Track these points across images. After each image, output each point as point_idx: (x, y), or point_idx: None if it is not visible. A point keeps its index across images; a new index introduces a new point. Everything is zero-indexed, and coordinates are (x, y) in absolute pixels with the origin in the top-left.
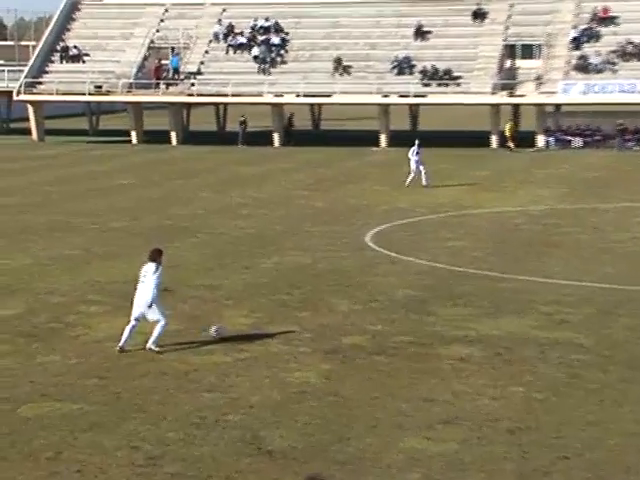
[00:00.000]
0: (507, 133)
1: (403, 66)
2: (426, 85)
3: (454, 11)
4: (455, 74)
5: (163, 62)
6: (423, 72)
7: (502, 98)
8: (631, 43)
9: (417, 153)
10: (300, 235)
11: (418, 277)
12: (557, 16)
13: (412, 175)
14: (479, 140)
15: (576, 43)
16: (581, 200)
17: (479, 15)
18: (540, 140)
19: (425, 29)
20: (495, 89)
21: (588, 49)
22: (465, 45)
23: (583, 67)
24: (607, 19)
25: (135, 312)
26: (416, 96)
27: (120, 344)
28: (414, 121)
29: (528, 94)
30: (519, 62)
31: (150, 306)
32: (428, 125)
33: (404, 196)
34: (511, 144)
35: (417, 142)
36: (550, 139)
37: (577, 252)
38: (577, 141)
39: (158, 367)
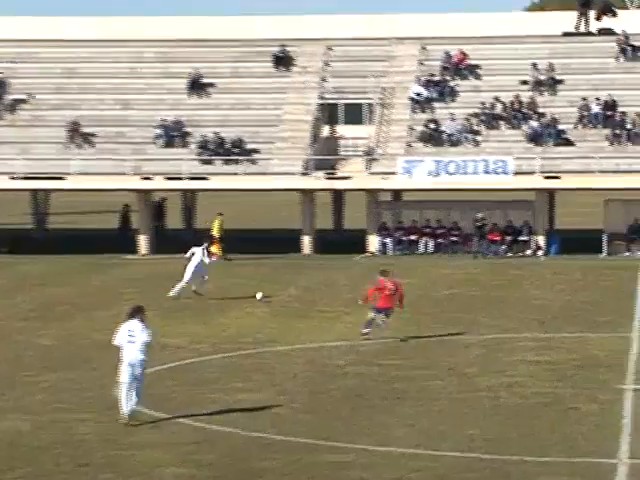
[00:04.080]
0: (216, 233)
1: (172, 134)
2: (207, 162)
3: (248, 54)
4: (249, 146)
5: None
6: (202, 144)
7: (318, 181)
8: (501, 103)
9: None
10: (16, 389)
11: (195, 448)
12: (395, 64)
13: None
14: (285, 243)
15: (422, 102)
16: (432, 329)
17: (284, 61)
18: (373, 242)
19: (205, 80)
20: (308, 168)
21: (440, 111)
22: (264, 104)
23: (433, 137)
24: (465, 69)
25: (126, 373)
26: (192, 179)
27: (125, 413)
28: (189, 216)
29: (355, 175)
30: (342, 129)
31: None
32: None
33: (176, 327)
34: (216, 248)
35: None
36: (387, 241)
37: (428, 406)
38: (426, 244)
39: None
